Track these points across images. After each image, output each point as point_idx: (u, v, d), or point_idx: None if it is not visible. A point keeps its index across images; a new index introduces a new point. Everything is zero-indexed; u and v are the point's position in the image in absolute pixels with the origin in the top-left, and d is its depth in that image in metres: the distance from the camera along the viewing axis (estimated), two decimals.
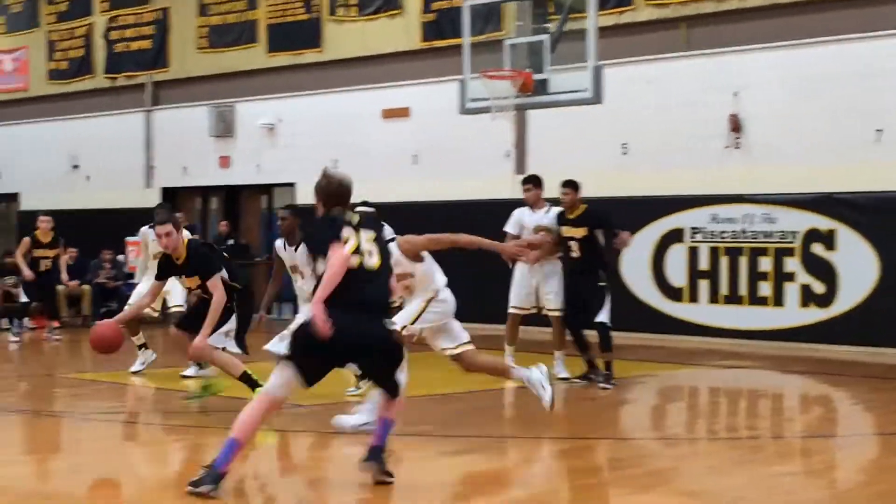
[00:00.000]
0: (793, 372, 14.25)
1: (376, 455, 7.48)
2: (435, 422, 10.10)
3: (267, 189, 23.02)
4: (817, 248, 16.07)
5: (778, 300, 16.37)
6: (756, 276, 16.55)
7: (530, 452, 8.93)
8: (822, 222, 16.02)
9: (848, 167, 15.85)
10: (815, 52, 16.29)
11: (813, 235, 16.10)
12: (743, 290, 16.64)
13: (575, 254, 12.12)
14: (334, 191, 7.45)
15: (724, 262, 16.79)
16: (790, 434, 10.29)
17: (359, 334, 7.10)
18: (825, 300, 15.98)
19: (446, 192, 19.37)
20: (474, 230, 15.61)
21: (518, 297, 12.64)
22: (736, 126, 16.71)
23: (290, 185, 21.86)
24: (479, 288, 15.28)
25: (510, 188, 18.95)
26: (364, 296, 7.13)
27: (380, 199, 19.90)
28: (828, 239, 16.00)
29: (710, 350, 15.92)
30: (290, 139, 21.96)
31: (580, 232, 12.15)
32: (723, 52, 16.97)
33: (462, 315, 9.91)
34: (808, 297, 16.13)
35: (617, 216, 15.43)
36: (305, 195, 21.24)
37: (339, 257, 7.03)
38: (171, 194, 22.97)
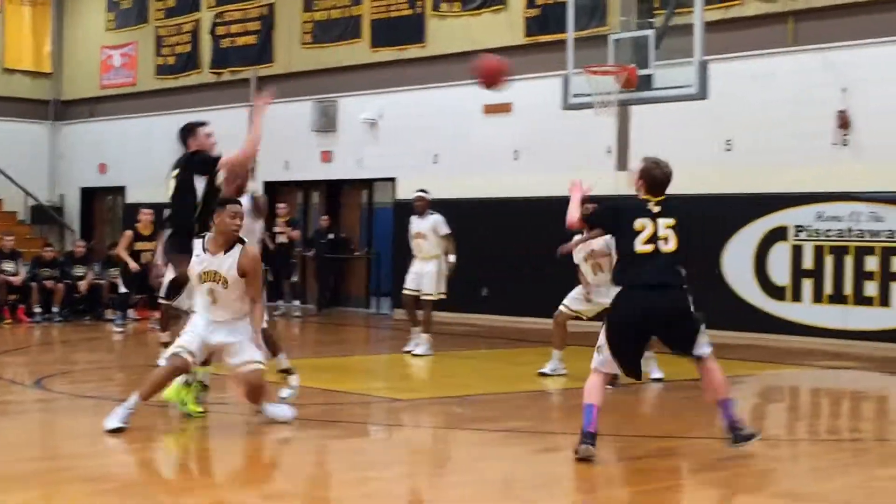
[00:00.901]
0: None
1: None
2: (532, 418, 10.08)
3: (368, 184, 23.16)
4: None
5: (884, 300, 16.07)
6: (862, 276, 16.26)
7: (630, 451, 8.86)
8: None
9: None
10: None
11: None
12: (848, 289, 16.36)
13: None
14: (659, 179, 8.28)
15: (828, 260, 16.51)
16: (894, 437, 10.08)
17: (648, 308, 7.99)
18: None
19: (547, 188, 19.30)
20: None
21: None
22: (844, 123, 16.42)
23: (391, 179, 21.98)
24: None
25: (612, 184, 18.85)
26: (652, 276, 7.98)
27: (481, 195, 20.12)
28: None
29: (813, 350, 15.68)
30: (391, 134, 22.06)
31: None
32: (831, 47, 16.67)
33: None
34: None
35: (719, 213, 15.34)
36: (406, 190, 21.61)
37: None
38: (272, 188, 23.23)
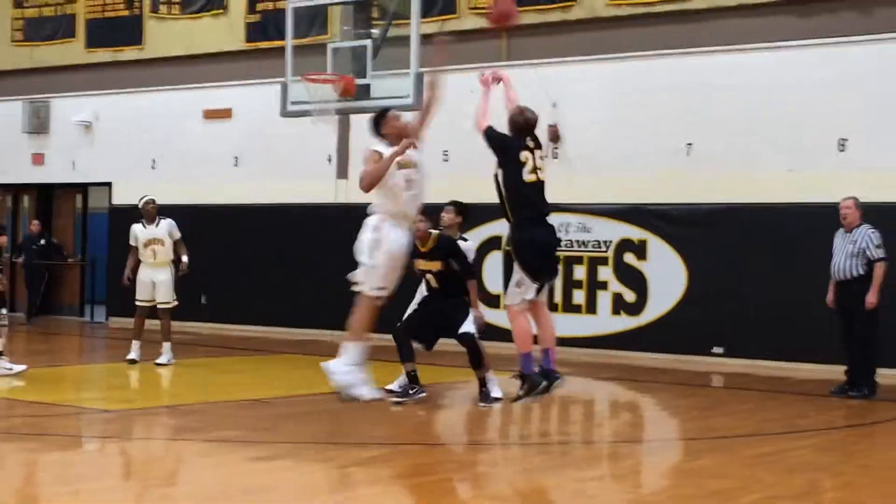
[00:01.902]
0: (603, 378, 14.60)
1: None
2: (245, 427, 10.03)
3: (82, 188, 22.51)
4: (629, 258, 16.51)
5: (591, 307, 16.76)
6: (571, 284, 16.90)
7: (337, 459, 8.93)
8: (635, 232, 16.46)
9: (659, 178, 16.32)
10: (631, 66, 16.75)
11: (625, 245, 16.54)
12: (557, 297, 16.97)
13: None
14: (522, 125, 9.38)
15: None
16: (599, 439, 10.54)
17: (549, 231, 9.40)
18: (635, 308, 16.42)
19: (269, 195, 19.26)
20: (297, 233, 15.57)
21: None
22: (555, 136, 17.03)
23: (107, 184, 21.43)
24: None
25: (332, 192, 18.97)
26: (544, 205, 9.31)
27: (200, 201, 19.84)
28: (639, 249, 16.45)
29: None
30: (107, 137, 21.53)
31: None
32: (542, 62, 17.26)
33: None
34: (619, 305, 16.55)
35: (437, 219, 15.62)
36: (122, 195, 21.13)
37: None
38: None
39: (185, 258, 14.61)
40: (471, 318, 11.27)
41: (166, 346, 14.51)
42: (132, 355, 14.47)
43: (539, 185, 9.32)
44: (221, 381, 13.77)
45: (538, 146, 9.48)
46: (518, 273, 9.21)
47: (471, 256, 11.91)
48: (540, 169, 9.32)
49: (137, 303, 14.63)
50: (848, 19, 15.52)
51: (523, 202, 9.26)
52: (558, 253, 10.21)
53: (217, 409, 11.24)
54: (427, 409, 11.56)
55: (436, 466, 8.68)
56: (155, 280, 14.52)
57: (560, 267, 16.88)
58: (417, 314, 11.56)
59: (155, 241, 14.58)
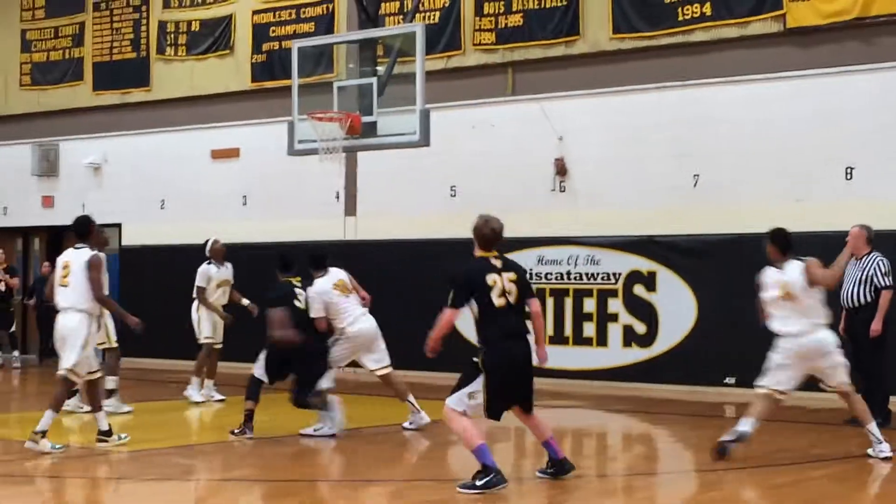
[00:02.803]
0: (616, 411, 14.58)
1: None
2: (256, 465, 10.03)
3: None
4: (639, 290, 16.51)
5: (601, 340, 16.75)
6: (581, 317, 16.90)
7: (350, 498, 8.93)
8: (644, 264, 16.47)
9: (667, 210, 16.35)
10: (636, 99, 16.80)
11: (635, 277, 16.55)
12: (568, 330, 16.97)
13: None
14: (489, 235, 9.11)
15: (549, 303, 17.08)
16: (612, 472, 10.51)
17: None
18: (646, 340, 16.41)
19: (277, 233, 19.30)
20: (306, 271, 15.71)
21: None
22: (561, 170, 17.08)
23: (117, 225, 21.50)
24: None
25: (340, 229, 19.03)
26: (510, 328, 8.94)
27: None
28: (649, 280, 16.46)
29: (535, 390, 16.12)
30: (116, 179, 21.63)
31: None
32: (547, 97, 17.34)
33: None
34: (630, 337, 16.55)
35: (446, 257, 15.66)
36: (132, 236, 21.19)
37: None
38: None
39: (245, 300, 14.82)
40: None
41: (209, 383, 14.76)
42: (219, 396, 14.72)
43: (511, 308, 9.01)
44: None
45: (506, 267, 9.14)
46: (479, 389, 8.91)
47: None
48: (509, 293, 8.99)
49: (209, 341, 14.78)
50: (851, 49, 15.57)
51: (495, 325, 8.98)
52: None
53: (228, 448, 11.22)
54: (440, 445, 11.56)
55: (449, 502, 8.67)
56: (218, 321, 14.73)
57: (570, 301, 17.00)
58: None
59: (225, 283, 14.78)
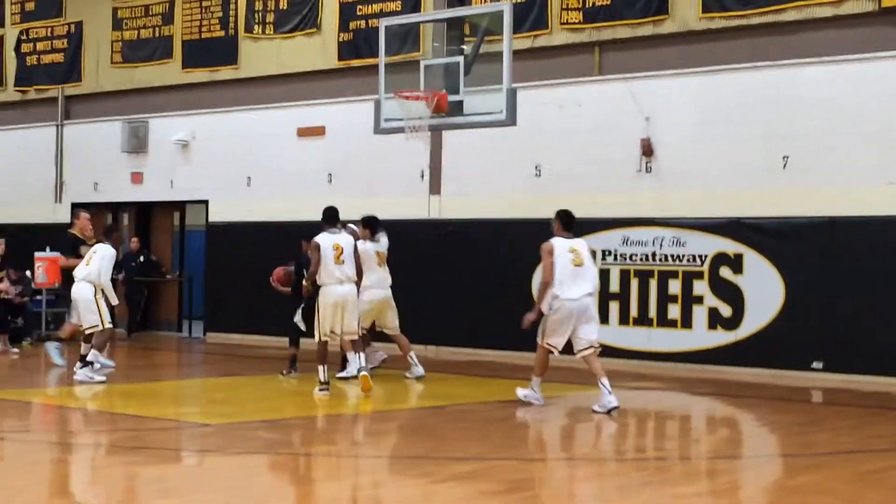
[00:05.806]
0: (700, 393, 14.46)
1: None
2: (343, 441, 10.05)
3: (180, 206, 22.85)
4: (725, 272, 16.34)
5: (686, 322, 16.61)
6: (666, 299, 16.77)
7: (434, 474, 8.95)
8: (730, 246, 16.29)
9: (755, 192, 16.14)
10: (725, 79, 16.59)
11: (721, 259, 16.37)
12: (652, 311, 16.85)
13: None
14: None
15: (634, 284, 16.98)
16: (696, 455, 10.44)
17: None
18: (732, 323, 16.24)
19: (361, 211, 19.34)
20: (391, 249, 15.70)
21: None
22: (647, 150, 16.94)
23: (204, 202, 21.75)
24: None
25: (426, 208, 19.06)
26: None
27: (294, 218, 20.01)
28: (735, 263, 16.27)
29: (619, 371, 16.05)
30: (203, 156, 21.84)
31: None
32: (634, 76, 17.20)
33: None
34: (715, 319, 16.38)
35: (530, 237, 15.61)
36: (218, 212, 21.40)
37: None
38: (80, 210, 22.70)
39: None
40: None
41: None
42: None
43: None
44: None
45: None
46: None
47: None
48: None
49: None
50: None
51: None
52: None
53: (315, 422, 11.32)
54: (522, 425, 11.56)
55: (531, 482, 8.66)
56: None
57: (654, 282, 16.88)
58: None
59: (380, 256, 15.22)
